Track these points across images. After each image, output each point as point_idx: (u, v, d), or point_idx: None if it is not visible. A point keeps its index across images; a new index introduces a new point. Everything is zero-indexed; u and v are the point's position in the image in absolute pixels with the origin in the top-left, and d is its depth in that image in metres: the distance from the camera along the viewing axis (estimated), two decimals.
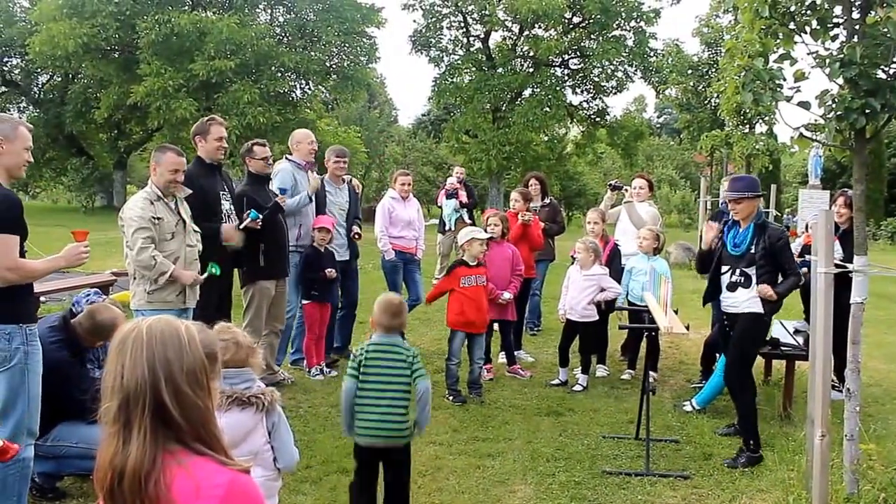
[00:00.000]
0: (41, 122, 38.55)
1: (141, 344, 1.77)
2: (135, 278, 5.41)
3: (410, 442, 4.21)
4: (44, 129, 38.22)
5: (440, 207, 13.01)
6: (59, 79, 38.74)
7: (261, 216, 6.29)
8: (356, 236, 7.79)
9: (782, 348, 6.40)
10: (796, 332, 6.95)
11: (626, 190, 8.30)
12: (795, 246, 7.89)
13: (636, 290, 7.21)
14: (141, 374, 1.74)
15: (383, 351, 4.14)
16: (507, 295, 7.25)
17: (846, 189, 6.42)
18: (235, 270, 6.57)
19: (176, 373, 1.76)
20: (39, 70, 37.52)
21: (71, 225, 24.64)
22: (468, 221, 12.18)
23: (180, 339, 1.80)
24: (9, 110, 40.22)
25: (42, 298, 8.81)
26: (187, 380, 1.77)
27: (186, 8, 31.97)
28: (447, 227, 12.62)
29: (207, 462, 1.76)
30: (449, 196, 12.44)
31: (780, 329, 7.10)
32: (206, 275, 5.58)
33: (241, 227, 6.25)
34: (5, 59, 38.25)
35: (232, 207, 6.27)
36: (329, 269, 7.14)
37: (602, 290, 7.19)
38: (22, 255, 3.89)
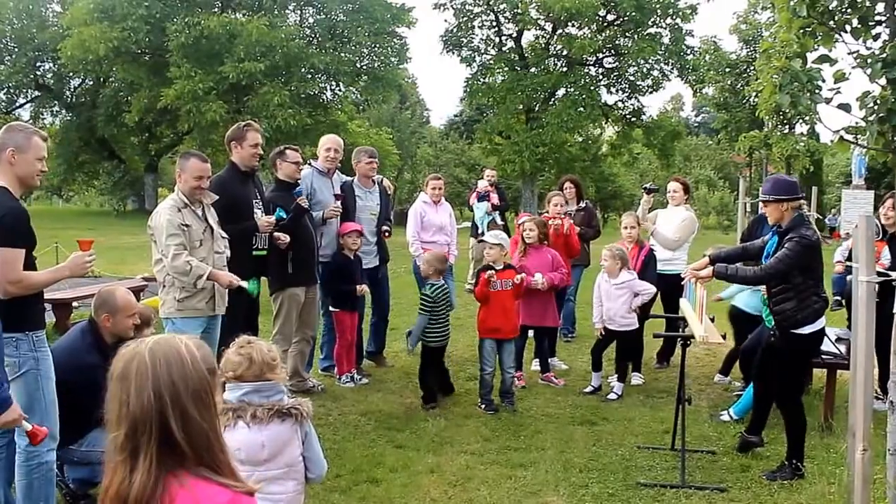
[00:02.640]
0: (73, 126, 39.37)
1: (145, 370, 1.78)
2: (164, 286, 5.46)
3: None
4: (76, 132, 39.06)
5: (471, 211, 12.98)
6: (91, 82, 39.47)
7: (285, 216, 6.31)
8: (385, 234, 7.79)
9: (823, 357, 6.29)
10: (838, 339, 6.82)
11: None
12: (842, 250, 7.75)
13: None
14: (147, 400, 1.75)
15: (441, 288, 6.83)
16: (538, 277, 7.15)
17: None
18: (264, 278, 6.62)
19: (182, 395, 1.77)
20: (71, 74, 38.29)
21: (103, 229, 25.10)
22: (500, 223, 12.14)
23: (183, 360, 1.80)
24: (42, 114, 41.19)
25: (75, 304, 8.98)
26: (193, 402, 1.78)
27: (216, 10, 32.35)
28: (479, 231, 12.58)
29: (210, 484, 1.78)
30: (481, 198, 12.41)
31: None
32: (243, 284, 5.60)
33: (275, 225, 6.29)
34: (38, 64, 39.04)
35: (263, 215, 6.26)
36: (362, 286, 7.21)
37: (635, 294, 7.14)
38: (32, 264, 3.97)
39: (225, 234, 5.64)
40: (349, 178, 7.71)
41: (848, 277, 7.28)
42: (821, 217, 22.58)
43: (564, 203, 8.39)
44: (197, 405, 1.78)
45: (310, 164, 7.47)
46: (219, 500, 1.76)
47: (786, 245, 5.03)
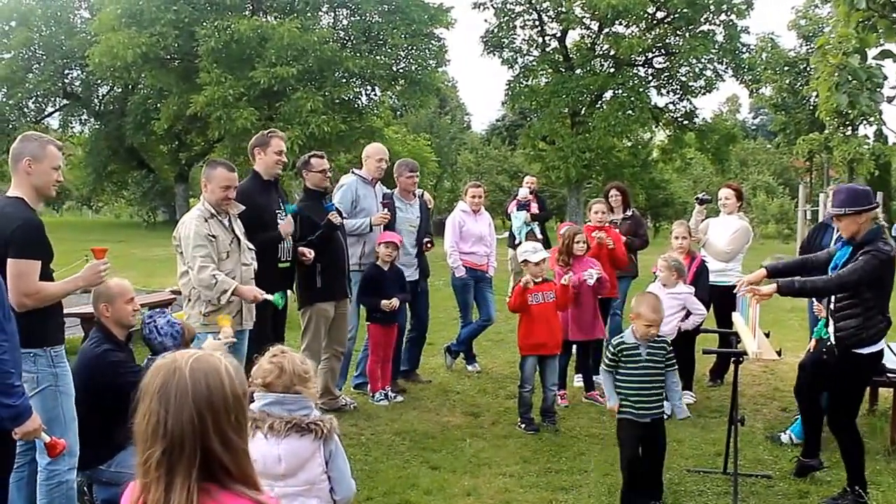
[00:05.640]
0: (102, 135, 40.13)
1: (185, 388, 1.83)
2: (189, 300, 5.55)
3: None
4: (104, 141, 39.80)
5: (509, 219, 12.94)
6: (119, 90, 40.16)
7: (296, 210, 6.41)
8: (428, 245, 7.88)
9: (889, 375, 6.16)
10: None
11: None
12: None
13: None
14: (188, 419, 1.80)
15: (631, 347, 5.08)
16: (591, 271, 7.18)
17: None
18: (288, 292, 6.69)
19: (222, 417, 1.83)
20: (99, 81, 39.01)
21: (133, 241, 25.46)
22: (540, 236, 12.06)
23: (223, 381, 1.87)
24: (70, 123, 42.05)
25: None
26: (230, 423, 1.85)
27: (247, 13, 32.74)
28: (517, 241, 12.54)
29: (240, 497, 1.85)
30: (521, 207, 12.38)
31: (888, 353, 6.83)
32: (268, 297, 5.65)
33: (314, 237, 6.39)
34: (66, 72, 39.82)
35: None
36: (387, 302, 7.17)
37: (687, 312, 7.06)
38: (49, 277, 4.06)
39: (252, 246, 5.72)
40: (390, 191, 7.80)
41: None
42: (888, 226, 22.06)
43: (607, 211, 8.30)
44: (234, 426, 1.86)
45: (353, 171, 7.57)
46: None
47: (861, 257, 4.90)
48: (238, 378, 1.92)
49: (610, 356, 5.12)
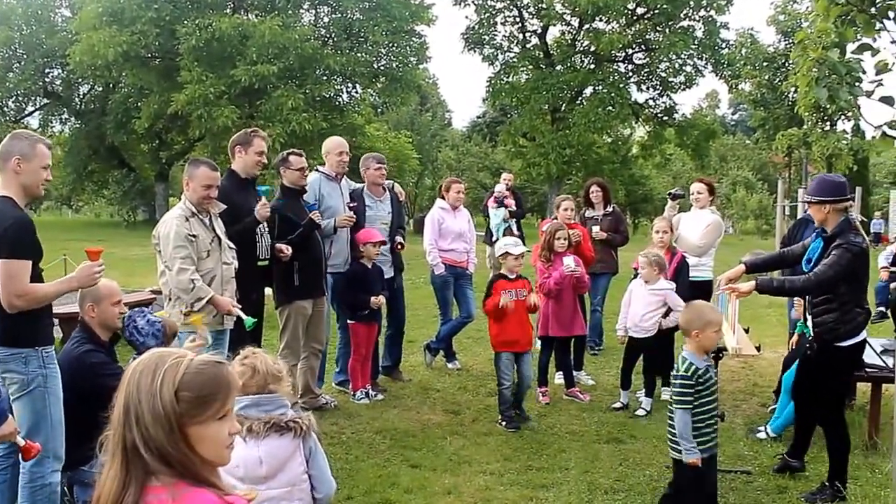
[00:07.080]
0: (82, 134, 39.89)
1: (125, 381, 1.89)
2: (170, 299, 5.46)
3: None
4: (85, 140, 39.57)
5: (486, 217, 12.88)
6: (100, 89, 39.93)
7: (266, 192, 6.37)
8: (398, 246, 7.73)
9: (867, 370, 6.15)
10: (884, 351, 6.67)
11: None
12: (886, 255, 7.56)
13: None
14: (118, 410, 1.87)
15: (704, 371, 4.46)
16: (568, 261, 7.09)
17: None
18: (268, 290, 6.61)
19: (144, 416, 1.84)
20: (80, 80, 38.76)
21: (113, 240, 25.27)
22: (517, 233, 12.00)
23: (153, 382, 1.86)
24: (51, 122, 41.72)
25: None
26: (155, 423, 1.84)
27: (228, 11, 32.56)
28: (494, 238, 12.48)
29: (201, 490, 1.85)
30: (499, 204, 12.32)
31: (867, 348, 6.83)
32: (242, 315, 5.56)
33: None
34: (47, 71, 39.55)
35: (265, 224, 6.23)
36: (376, 298, 7.10)
37: (668, 308, 7.03)
38: (38, 277, 4.00)
39: (233, 245, 5.64)
40: (358, 186, 7.66)
41: (892, 285, 7.11)
42: (865, 220, 22.25)
43: (574, 209, 8.36)
44: (163, 428, 1.84)
45: (317, 169, 7.43)
46: (207, 498, 1.84)
47: (833, 252, 4.89)
48: (189, 381, 1.89)
49: (688, 388, 4.32)
